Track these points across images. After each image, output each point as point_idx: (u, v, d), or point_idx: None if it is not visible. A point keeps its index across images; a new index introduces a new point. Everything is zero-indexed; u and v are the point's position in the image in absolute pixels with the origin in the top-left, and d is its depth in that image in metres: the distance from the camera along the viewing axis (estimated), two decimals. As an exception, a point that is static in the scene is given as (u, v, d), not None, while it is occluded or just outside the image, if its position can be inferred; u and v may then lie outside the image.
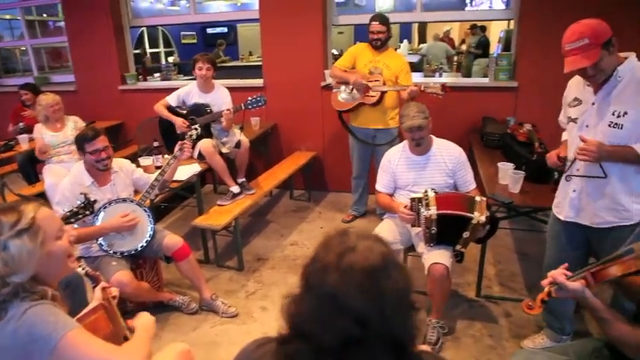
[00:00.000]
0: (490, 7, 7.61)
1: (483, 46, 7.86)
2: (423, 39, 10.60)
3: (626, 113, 1.84)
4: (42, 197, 3.77)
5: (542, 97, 4.02)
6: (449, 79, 5.44)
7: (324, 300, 0.80)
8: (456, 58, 8.53)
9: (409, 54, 8.49)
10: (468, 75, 7.47)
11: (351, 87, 3.74)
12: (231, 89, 3.86)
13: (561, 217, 2.16)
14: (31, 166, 4.45)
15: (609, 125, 1.88)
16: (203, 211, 3.51)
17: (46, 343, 1.23)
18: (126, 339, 1.65)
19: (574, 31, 1.80)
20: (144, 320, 1.59)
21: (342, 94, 3.83)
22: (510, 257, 3.49)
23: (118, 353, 1.36)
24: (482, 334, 2.65)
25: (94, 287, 1.75)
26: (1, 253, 1.25)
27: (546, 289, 1.55)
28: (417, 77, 5.13)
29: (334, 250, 0.84)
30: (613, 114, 1.87)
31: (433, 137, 2.76)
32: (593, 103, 1.94)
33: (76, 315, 1.50)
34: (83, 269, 1.83)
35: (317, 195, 4.84)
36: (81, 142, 2.57)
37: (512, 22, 4.47)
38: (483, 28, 8.27)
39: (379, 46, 3.73)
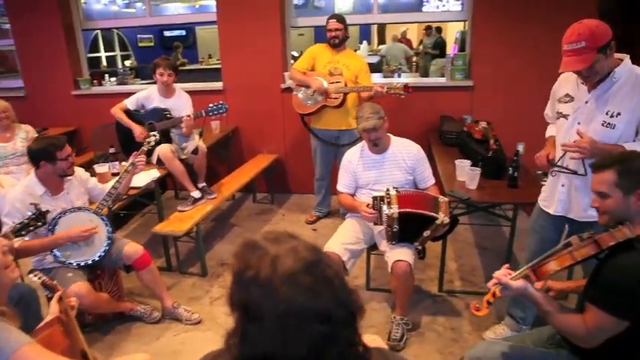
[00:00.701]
0: (448, 9, 7.79)
1: (440, 47, 8.06)
2: (382, 40, 10.76)
3: (619, 114, 1.87)
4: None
5: (496, 95, 4.16)
6: (407, 79, 5.52)
7: (281, 319, 0.76)
8: (414, 58, 8.71)
9: (369, 55, 8.58)
10: (426, 75, 7.63)
11: (312, 89, 3.75)
12: (190, 93, 3.79)
13: (551, 212, 2.18)
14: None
15: (602, 125, 1.90)
16: (163, 218, 3.44)
17: None
18: (83, 354, 1.59)
19: (573, 31, 1.79)
20: None
21: (302, 95, 3.83)
22: (470, 252, 3.59)
23: None
24: (446, 328, 2.71)
25: (51, 297, 1.69)
26: None
27: (491, 290, 1.60)
28: (377, 78, 5.20)
29: (261, 268, 0.78)
30: (607, 114, 1.89)
31: (391, 136, 2.80)
32: (586, 102, 1.96)
33: (30, 331, 1.44)
34: (39, 278, 1.76)
35: (280, 197, 4.83)
36: (51, 152, 2.43)
37: (466, 23, 4.59)
38: (439, 29, 8.47)
39: (337, 44, 3.76)
